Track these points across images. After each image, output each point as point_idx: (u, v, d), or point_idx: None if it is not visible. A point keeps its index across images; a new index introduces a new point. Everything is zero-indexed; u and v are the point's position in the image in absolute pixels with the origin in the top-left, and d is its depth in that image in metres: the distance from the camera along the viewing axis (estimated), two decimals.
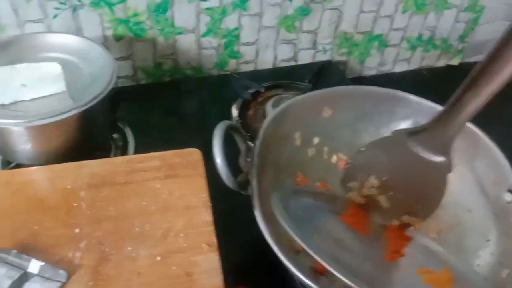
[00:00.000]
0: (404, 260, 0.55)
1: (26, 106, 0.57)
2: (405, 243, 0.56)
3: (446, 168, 0.55)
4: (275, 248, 0.44)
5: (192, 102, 0.87)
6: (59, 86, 0.59)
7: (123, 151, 0.70)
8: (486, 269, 0.51)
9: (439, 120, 0.54)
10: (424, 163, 0.56)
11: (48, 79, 0.58)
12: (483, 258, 0.53)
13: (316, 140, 0.63)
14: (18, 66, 0.57)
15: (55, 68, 0.58)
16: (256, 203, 0.47)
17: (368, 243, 0.56)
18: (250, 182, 0.49)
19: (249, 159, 0.51)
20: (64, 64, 0.59)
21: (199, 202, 0.53)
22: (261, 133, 0.54)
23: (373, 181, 0.60)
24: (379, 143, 0.61)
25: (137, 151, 0.71)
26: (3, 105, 0.56)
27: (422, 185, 0.58)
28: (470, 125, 0.57)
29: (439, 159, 0.55)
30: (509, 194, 0.53)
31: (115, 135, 0.73)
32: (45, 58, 0.61)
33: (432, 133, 0.55)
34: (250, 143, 0.59)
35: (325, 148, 0.64)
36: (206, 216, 0.52)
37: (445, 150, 0.55)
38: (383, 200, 0.59)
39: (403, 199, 0.59)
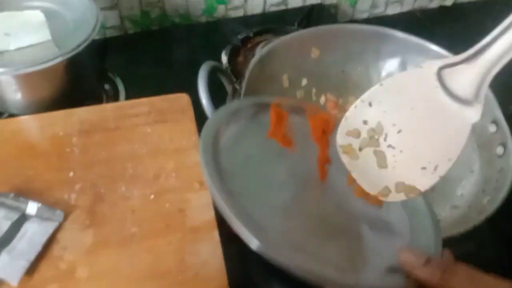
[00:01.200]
0: (333, 171, 0.47)
1: (11, 56, 0.57)
2: (328, 138, 0.49)
3: (473, 114, 0.44)
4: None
5: (181, 50, 0.86)
6: (44, 35, 0.58)
7: (115, 101, 0.71)
8: (469, 198, 0.53)
9: (482, 51, 0.42)
10: (449, 107, 0.44)
11: (31, 28, 0.57)
12: (467, 188, 0.54)
13: (304, 81, 0.64)
14: None
15: (38, 16, 0.57)
16: None
17: (298, 163, 0.47)
18: None
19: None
20: (47, 12, 0.59)
21: (189, 144, 0.54)
22: (247, 74, 0.54)
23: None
24: (398, 80, 0.48)
25: (128, 100, 0.71)
26: None
27: (438, 141, 0.46)
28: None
29: (467, 102, 0.44)
30: (493, 125, 0.54)
31: (106, 86, 0.73)
32: (26, 7, 0.60)
33: (470, 66, 0.42)
34: (237, 87, 0.59)
35: (314, 89, 0.64)
36: (196, 157, 0.52)
37: (478, 90, 0.43)
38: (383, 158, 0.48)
39: (409, 159, 0.47)
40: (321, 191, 0.46)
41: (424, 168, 0.46)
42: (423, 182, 0.46)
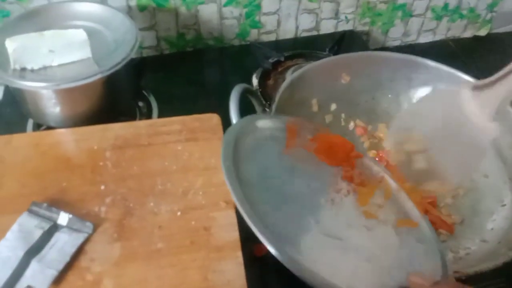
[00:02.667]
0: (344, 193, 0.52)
1: (54, 71, 0.60)
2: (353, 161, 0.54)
3: (492, 130, 0.49)
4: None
5: (213, 72, 0.88)
6: (85, 52, 0.61)
7: (148, 118, 0.73)
8: (499, 233, 0.52)
9: (504, 76, 0.46)
10: (475, 123, 0.50)
11: (74, 46, 0.60)
12: (498, 222, 0.53)
13: (333, 106, 0.64)
14: (46, 33, 0.59)
15: (81, 35, 0.60)
16: None
17: (310, 180, 0.51)
18: None
19: None
20: (89, 31, 0.62)
21: (217, 163, 0.55)
22: (277, 97, 0.55)
23: (420, 136, 0.57)
24: (436, 95, 0.57)
25: (160, 117, 0.73)
26: (32, 70, 0.59)
27: (465, 148, 0.53)
28: None
29: (489, 120, 0.49)
30: None
31: (140, 103, 0.76)
32: (71, 26, 0.64)
33: (492, 90, 0.47)
34: (267, 110, 0.60)
35: (343, 115, 0.65)
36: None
37: (498, 111, 0.48)
38: (419, 160, 0.57)
39: (441, 161, 0.55)
40: (334, 210, 0.49)
41: (452, 172, 0.55)
42: (451, 181, 0.56)
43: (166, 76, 0.85)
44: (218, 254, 0.47)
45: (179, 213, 0.50)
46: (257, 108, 0.55)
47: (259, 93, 0.74)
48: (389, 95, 0.64)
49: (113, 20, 0.66)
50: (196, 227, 0.49)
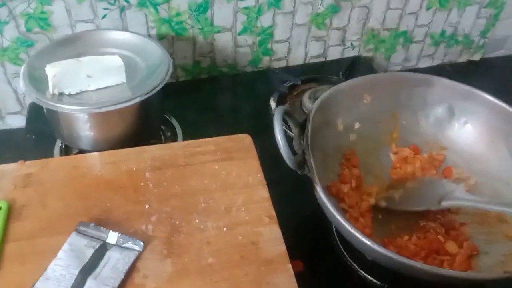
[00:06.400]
0: None
1: (89, 96, 0.62)
2: None
3: None
4: (339, 217, 0.48)
5: (228, 98, 0.91)
6: (120, 78, 0.63)
7: (173, 141, 0.74)
8: None
9: None
10: None
11: (110, 71, 0.62)
12: None
13: (357, 125, 0.67)
14: (83, 59, 0.61)
15: (117, 61, 0.62)
16: (316, 179, 0.51)
17: None
18: (307, 161, 0.53)
19: (302, 142, 0.55)
20: (122, 58, 0.64)
21: (255, 181, 0.57)
22: (311, 117, 0.57)
23: None
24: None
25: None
26: (70, 95, 0.61)
27: None
28: (504, 105, 0.61)
29: None
30: None
31: (162, 127, 0.77)
32: (105, 53, 0.66)
33: None
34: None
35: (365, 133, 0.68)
36: (263, 193, 0.56)
37: None
38: None
39: None
40: None
41: None
42: None
43: (182, 103, 0.87)
44: (269, 267, 0.48)
45: (225, 229, 0.51)
46: (293, 129, 0.57)
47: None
48: (407, 113, 0.68)
49: (145, 48, 0.68)
50: (243, 242, 0.50)
